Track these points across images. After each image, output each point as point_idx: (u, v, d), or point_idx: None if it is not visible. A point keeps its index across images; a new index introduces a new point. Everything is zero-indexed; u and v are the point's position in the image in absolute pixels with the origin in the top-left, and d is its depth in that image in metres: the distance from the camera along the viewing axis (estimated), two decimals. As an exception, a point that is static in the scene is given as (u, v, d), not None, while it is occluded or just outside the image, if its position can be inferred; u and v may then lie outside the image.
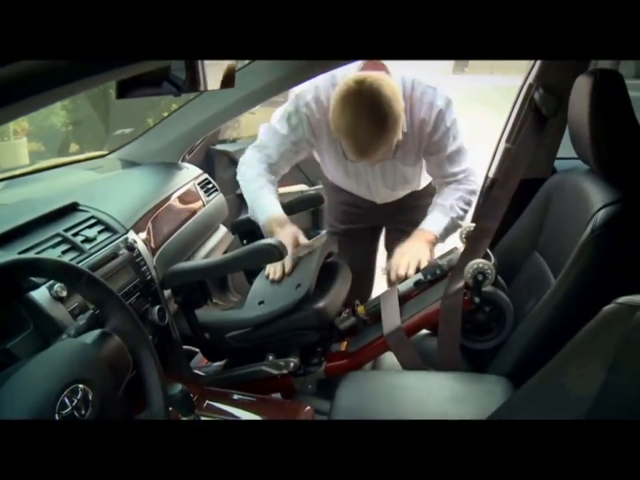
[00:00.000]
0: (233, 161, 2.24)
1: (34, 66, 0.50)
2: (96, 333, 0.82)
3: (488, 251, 1.51)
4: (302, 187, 2.39)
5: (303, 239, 1.59)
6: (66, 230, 1.20)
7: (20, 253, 1.06)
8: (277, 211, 1.62)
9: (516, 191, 1.50)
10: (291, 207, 1.81)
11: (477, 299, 1.41)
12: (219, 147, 2.25)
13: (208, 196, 1.79)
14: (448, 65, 12.68)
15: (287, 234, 1.55)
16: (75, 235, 1.21)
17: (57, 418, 0.69)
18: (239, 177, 1.70)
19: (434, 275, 1.55)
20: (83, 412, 0.72)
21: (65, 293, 1.02)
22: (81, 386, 0.73)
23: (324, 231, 2.47)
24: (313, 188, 2.40)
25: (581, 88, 1.24)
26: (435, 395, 1.31)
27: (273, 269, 1.55)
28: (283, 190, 2.32)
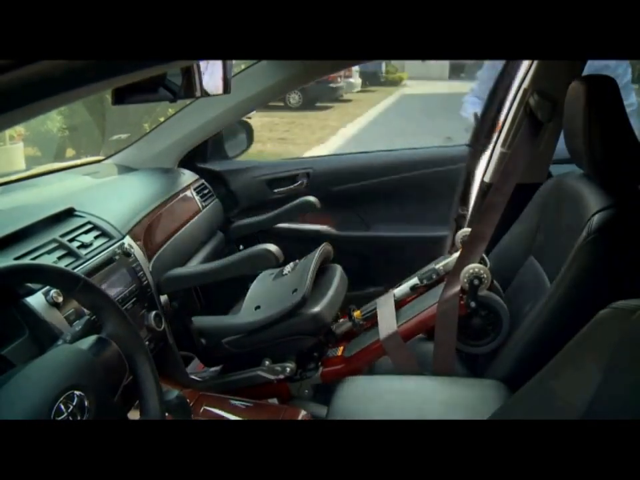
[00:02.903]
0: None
1: (55, 66, 0.50)
2: (92, 338, 0.82)
3: (484, 255, 1.51)
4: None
5: None
6: (62, 235, 1.20)
7: (16, 258, 1.06)
8: None
9: (512, 195, 1.51)
10: (280, 216, 1.81)
11: (472, 304, 1.41)
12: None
13: (204, 201, 1.79)
14: (444, 70, 12.72)
15: None
16: (71, 240, 1.20)
17: None
18: None
19: (430, 280, 1.55)
20: (79, 418, 0.72)
21: (60, 299, 1.02)
22: (77, 392, 0.72)
23: None
24: None
25: (575, 93, 1.25)
26: (431, 399, 1.31)
27: None
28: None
